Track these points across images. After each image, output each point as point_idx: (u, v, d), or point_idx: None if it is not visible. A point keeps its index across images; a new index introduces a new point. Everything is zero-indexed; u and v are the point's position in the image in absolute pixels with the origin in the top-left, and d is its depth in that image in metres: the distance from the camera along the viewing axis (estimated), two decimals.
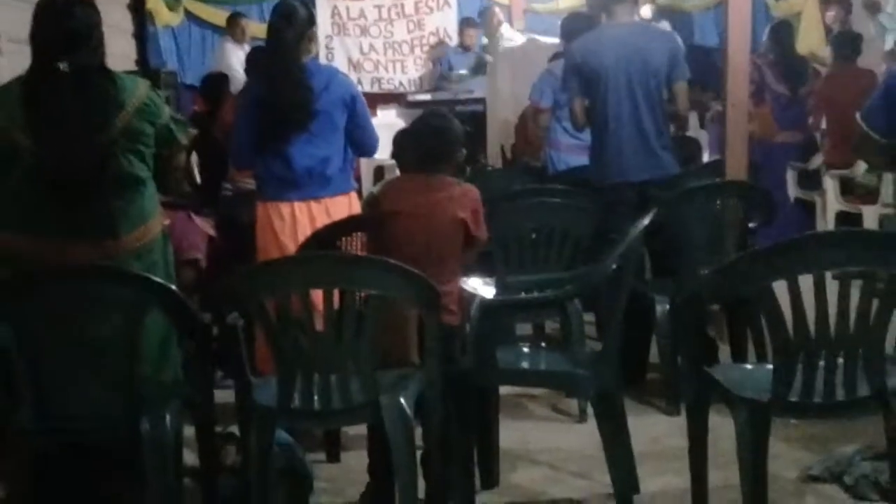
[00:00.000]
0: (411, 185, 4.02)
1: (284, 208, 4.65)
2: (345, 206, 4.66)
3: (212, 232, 5.43)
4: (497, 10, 11.17)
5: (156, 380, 3.64)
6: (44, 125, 3.52)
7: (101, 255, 3.58)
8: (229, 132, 6.94)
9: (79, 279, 3.37)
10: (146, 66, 10.90)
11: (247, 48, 8.81)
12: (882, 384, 3.10)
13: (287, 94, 4.53)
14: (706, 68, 8.44)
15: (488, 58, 10.36)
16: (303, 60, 4.58)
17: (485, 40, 10.93)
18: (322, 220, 4.54)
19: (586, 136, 5.97)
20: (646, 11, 7.91)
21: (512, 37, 10.61)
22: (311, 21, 4.69)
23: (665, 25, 8.89)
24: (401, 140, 4.31)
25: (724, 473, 3.62)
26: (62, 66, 3.54)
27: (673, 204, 4.91)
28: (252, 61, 7.06)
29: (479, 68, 10.70)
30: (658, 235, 4.47)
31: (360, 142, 4.71)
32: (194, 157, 7.36)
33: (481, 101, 10.26)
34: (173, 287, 3.44)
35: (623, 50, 5.19)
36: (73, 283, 3.34)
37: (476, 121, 9.89)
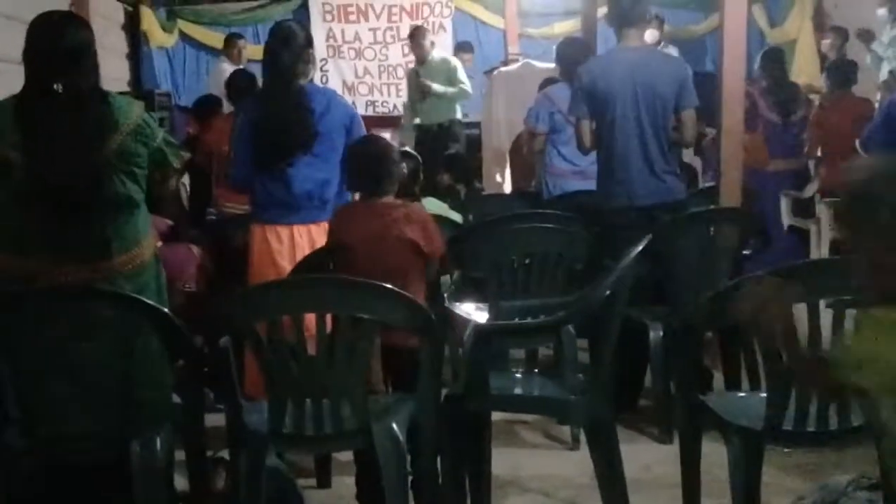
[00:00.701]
0: (356, 214, 4.05)
1: (283, 231, 4.63)
2: None
3: (199, 259, 5.42)
4: (428, 31, 10.51)
5: (147, 402, 3.60)
6: (38, 145, 3.51)
7: (93, 275, 3.56)
8: (213, 155, 6.92)
9: (70, 300, 3.36)
10: (140, 88, 10.97)
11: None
12: None
13: (286, 116, 4.51)
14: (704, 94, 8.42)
15: (428, 83, 9.75)
16: (300, 82, 4.58)
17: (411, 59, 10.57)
18: (322, 244, 4.51)
19: (582, 161, 5.95)
20: (652, 36, 7.81)
21: (444, 57, 10.14)
22: (308, 43, 4.68)
23: (672, 51, 8.85)
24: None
25: (717, 501, 3.60)
26: (56, 86, 3.53)
27: (666, 230, 4.91)
28: (233, 85, 7.02)
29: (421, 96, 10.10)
30: (654, 261, 4.45)
31: None
32: (185, 179, 7.33)
33: (476, 124, 10.25)
34: (165, 309, 3.43)
35: (632, 74, 5.16)
36: (63, 304, 3.33)
37: (470, 145, 9.89)
